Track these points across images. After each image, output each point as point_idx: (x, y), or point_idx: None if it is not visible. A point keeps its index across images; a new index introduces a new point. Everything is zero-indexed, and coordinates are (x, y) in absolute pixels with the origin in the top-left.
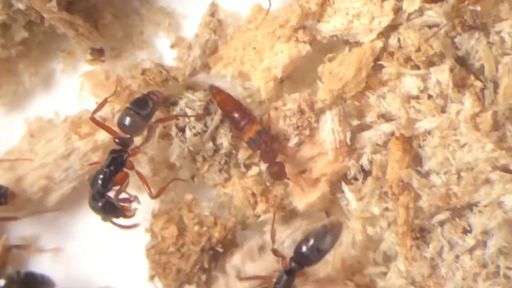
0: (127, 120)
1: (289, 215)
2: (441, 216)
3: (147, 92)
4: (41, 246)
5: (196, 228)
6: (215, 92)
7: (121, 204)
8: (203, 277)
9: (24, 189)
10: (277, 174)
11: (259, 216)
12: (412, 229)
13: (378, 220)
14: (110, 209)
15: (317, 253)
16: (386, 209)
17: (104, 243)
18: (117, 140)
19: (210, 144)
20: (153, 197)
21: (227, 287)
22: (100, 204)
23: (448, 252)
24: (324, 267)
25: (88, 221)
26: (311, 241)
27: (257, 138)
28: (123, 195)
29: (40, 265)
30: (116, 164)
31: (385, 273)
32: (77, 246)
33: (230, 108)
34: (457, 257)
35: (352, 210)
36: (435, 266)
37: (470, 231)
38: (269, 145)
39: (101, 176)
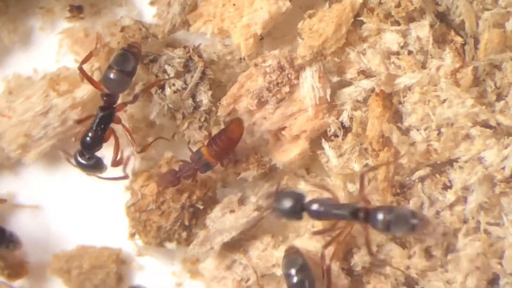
0: (113, 79)
1: (269, 171)
2: (421, 172)
3: (127, 46)
4: (19, 203)
5: None
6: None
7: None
8: (184, 234)
9: (2, 146)
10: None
11: (239, 174)
12: (393, 185)
13: (358, 177)
14: (98, 166)
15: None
16: (367, 165)
17: (84, 201)
18: (104, 98)
19: (190, 101)
20: (138, 152)
21: (207, 240)
22: (89, 162)
23: (429, 208)
24: (305, 224)
25: (68, 178)
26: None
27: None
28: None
29: (19, 222)
30: (105, 121)
31: None
32: (56, 204)
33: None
34: (437, 213)
35: (332, 167)
36: None
37: (450, 187)
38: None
39: (91, 134)
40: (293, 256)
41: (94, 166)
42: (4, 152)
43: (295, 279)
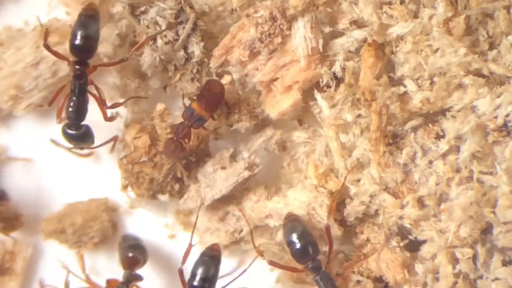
0: (78, 45)
1: (261, 124)
2: (414, 122)
3: (82, 10)
4: (11, 156)
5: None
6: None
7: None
8: (176, 186)
9: None
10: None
11: (232, 125)
12: (385, 135)
13: (351, 127)
14: (87, 136)
15: (208, 282)
16: (359, 115)
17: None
18: (75, 66)
19: (182, 53)
20: (107, 120)
21: (198, 195)
22: (80, 131)
23: (421, 158)
24: (298, 175)
25: (57, 130)
26: (198, 274)
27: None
28: None
29: (11, 175)
30: (82, 88)
31: (358, 180)
32: (48, 156)
33: None
34: (430, 162)
35: (324, 118)
36: (408, 172)
37: (443, 136)
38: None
39: (75, 104)
40: (293, 223)
41: (87, 133)
42: None
43: (298, 245)
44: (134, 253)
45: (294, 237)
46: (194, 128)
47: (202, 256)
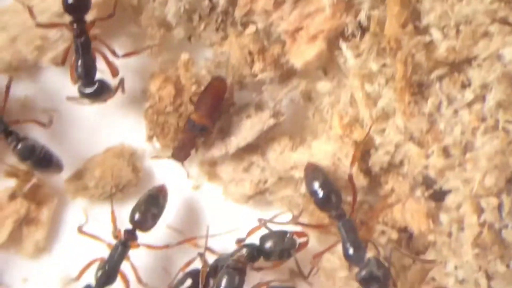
0: (72, 2)
1: (286, 73)
2: (440, 71)
3: None
4: (37, 107)
5: (194, 87)
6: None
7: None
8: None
9: (19, 48)
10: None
11: (256, 75)
12: (411, 84)
13: (376, 77)
14: (104, 91)
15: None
16: (384, 65)
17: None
18: (74, 24)
19: (207, 2)
20: (115, 75)
21: (223, 144)
22: (95, 87)
23: (447, 107)
24: (323, 126)
25: None
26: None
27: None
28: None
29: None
30: (86, 45)
31: (383, 130)
32: (72, 107)
33: None
34: (455, 111)
35: (350, 67)
36: (433, 121)
37: (469, 85)
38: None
39: (82, 63)
40: (314, 173)
41: (102, 87)
42: (21, 54)
43: (320, 194)
44: (147, 216)
45: (317, 186)
46: (199, 137)
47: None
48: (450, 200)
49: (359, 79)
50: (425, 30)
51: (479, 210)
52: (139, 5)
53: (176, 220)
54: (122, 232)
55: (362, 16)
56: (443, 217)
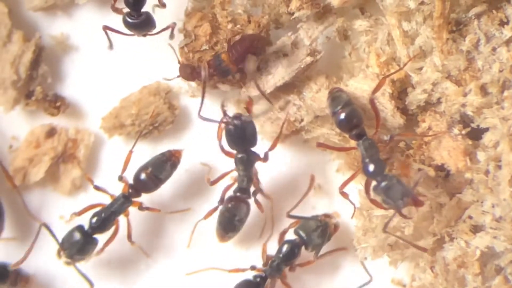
0: None
1: (322, 11)
2: (478, 9)
3: None
4: (73, 44)
5: (230, 26)
6: None
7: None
8: (237, 75)
9: None
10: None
11: (293, 14)
12: (448, 22)
13: (414, 15)
14: (148, 23)
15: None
16: (422, 2)
17: (135, 41)
18: None
19: None
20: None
21: (260, 83)
22: (140, 18)
23: (485, 45)
24: (359, 64)
25: (119, 19)
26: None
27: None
28: None
29: (72, 63)
30: None
31: (420, 68)
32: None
33: None
34: (493, 49)
35: (387, 5)
36: (471, 59)
37: (507, 23)
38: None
39: None
40: (336, 94)
41: (147, 21)
42: None
43: (341, 115)
44: (151, 178)
45: (338, 107)
46: (217, 77)
47: None
48: (487, 138)
49: (396, 17)
50: None
51: None
52: None
53: (208, 159)
54: (128, 185)
55: None
56: (480, 155)
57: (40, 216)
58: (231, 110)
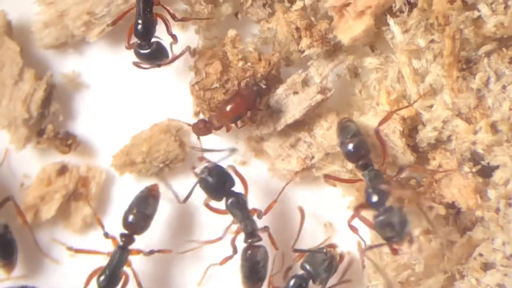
0: None
1: (333, 49)
2: (488, 47)
3: None
4: (84, 82)
5: (240, 64)
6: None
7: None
8: (248, 113)
9: (66, 24)
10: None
11: (303, 51)
12: (458, 60)
13: (424, 53)
14: (160, 52)
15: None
16: (432, 41)
17: (146, 79)
18: None
19: None
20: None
21: (270, 121)
22: (152, 48)
23: (495, 83)
24: (370, 102)
25: (130, 57)
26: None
27: None
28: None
29: (83, 101)
30: (147, 7)
31: (431, 106)
32: (119, 83)
33: None
34: (504, 87)
35: (397, 43)
36: (481, 97)
37: None
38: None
39: (142, 21)
40: (345, 124)
41: (158, 50)
42: (69, 29)
43: (349, 145)
44: (139, 218)
45: (346, 137)
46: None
47: None
48: (498, 176)
49: (407, 55)
50: (473, 6)
51: None
52: None
53: None
54: (118, 237)
55: None
56: (491, 193)
57: (51, 253)
58: (242, 148)
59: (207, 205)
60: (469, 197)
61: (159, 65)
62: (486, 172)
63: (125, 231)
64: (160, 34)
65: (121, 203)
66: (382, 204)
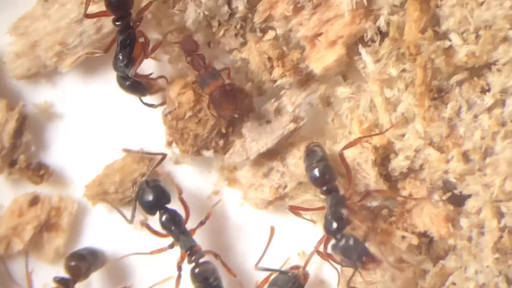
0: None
1: (305, 78)
2: (459, 76)
3: None
4: (56, 112)
5: None
6: None
7: (147, 80)
8: (221, 142)
9: (38, 54)
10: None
11: (276, 81)
12: (430, 89)
13: (396, 82)
14: (138, 87)
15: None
16: (404, 70)
17: (119, 109)
18: (117, 22)
19: (226, 8)
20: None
21: (243, 150)
22: (128, 83)
23: (467, 112)
24: (342, 131)
25: (102, 87)
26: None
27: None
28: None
29: (56, 131)
30: (128, 42)
31: (403, 135)
32: (91, 113)
33: None
34: (475, 116)
35: (369, 73)
36: (453, 126)
37: (488, 90)
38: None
39: (120, 58)
40: (312, 149)
41: (133, 87)
42: (41, 60)
43: (315, 169)
44: (79, 263)
45: (312, 161)
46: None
47: None
48: (470, 205)
49: (379, 84)
50: (444, 35)
51: (499, 215)
52: (159, 12)
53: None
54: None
55: (381, 22)
56: (463, 222)
57: (24, 284)
58: (214, 177)
59: (146, 226)
60: (440, 225)
61: (143, 95)
62: (459, 200)
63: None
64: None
65: (93, 233)
66: (340, 231)
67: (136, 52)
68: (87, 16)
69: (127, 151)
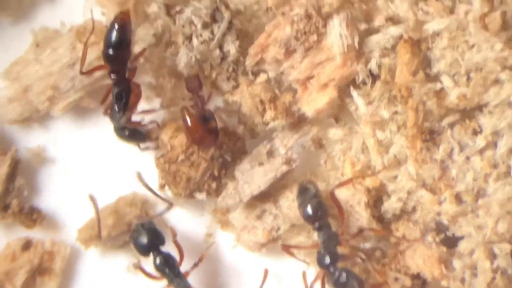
0: (111, 55)
1: (297, 121)
2: (451, 118)
3: (113, 19)
4: (49, 156)
5: None
6: None
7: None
8: (213, 184)
9: (30, 99)
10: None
11: (268, 124)
12: (422, 131)
13: (388, 124)
14: (137, 136)
15: None
16: (396, 112)
17: (111, 153)
18: (112, 76)
19: (218, 52)
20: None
21: (236, 192)
22: (126, 133)
23: (459, 154)
24: (334, 173)
25: (95, 131)
26: None
27: None
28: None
29: (48, 175)
30: (123, 94)
31: (395, 177)
32: (84, 157)
33: None
34: (467, 158)
35: (361, 115)
36: (445, 168)
37: (480, 132)
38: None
39: (116, 109)
40: (305, 187)
41: (132, 136)
42: (33, 104)
43: (308, 207)
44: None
45: (304, 199)
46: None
47: None
48: (463, 246)
49: (371, 126)
50: (435, 78)
51: (492, 256)
52: (151, 56)
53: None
54: None
55: (372, 64)
56: (456, 263)
57: None
58: (207, 220)
59: (140, 269)
60: (433, 267)
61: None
62: (451, 242)
63: None
64: None
65: (86, 277)
66: (334, 265)
67: (130, 102)
68: (84, 73)
69: (140, 178)
